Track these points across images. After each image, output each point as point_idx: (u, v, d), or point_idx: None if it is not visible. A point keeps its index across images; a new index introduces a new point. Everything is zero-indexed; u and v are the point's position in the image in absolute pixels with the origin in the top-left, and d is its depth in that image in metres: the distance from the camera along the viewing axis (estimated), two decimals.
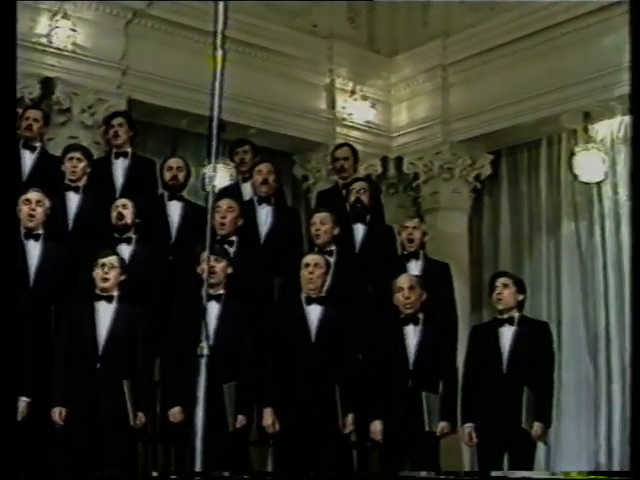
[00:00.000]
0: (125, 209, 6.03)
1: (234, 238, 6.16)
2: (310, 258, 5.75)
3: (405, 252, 6.39)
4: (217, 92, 3.69)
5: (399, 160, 9.26)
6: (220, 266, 5.54)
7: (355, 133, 9.01)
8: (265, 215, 6.55)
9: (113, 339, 5.30)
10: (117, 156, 6.78)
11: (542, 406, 5.48)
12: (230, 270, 5.60)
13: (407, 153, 9.19)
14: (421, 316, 5.67)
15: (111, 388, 5.21)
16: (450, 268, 6.49)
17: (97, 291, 5.42)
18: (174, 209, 6.49)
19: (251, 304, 5.67)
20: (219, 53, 3.72)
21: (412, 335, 5.62)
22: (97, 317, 5.34)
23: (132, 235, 6.04)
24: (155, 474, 4.23)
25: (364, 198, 6.75)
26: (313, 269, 5.64)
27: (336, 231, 6.24)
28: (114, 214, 6.04)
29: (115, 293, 5.43)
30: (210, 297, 5.37)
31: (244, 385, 5.36)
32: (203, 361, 3.57)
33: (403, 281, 5.71)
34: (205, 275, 4.08)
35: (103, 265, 5.42)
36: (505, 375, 5.52)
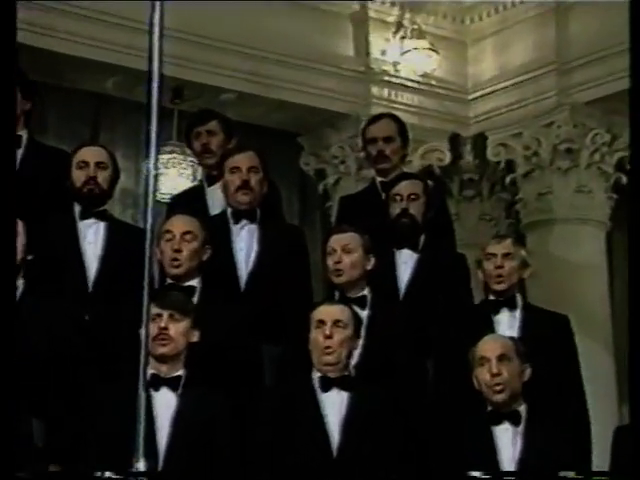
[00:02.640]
0: None
1: (196, 282, 6.20)
2: (326, 311, 5.79)
3: (491, 297, 6.42)
4: (157, 26, 3.69)
5: (481, 140, 9.40)
6: (178, 328, 5.56)
7: (405, 96, 9.14)
8: (247, 240, 6.63)
9: None
10: None
11: None
12: (196, 337, 5.64)
13: (494, 128, 9.32)
14: (523, 408, 5.73)
15: None
16: (571, 324, 6.48)
17: None
18: (92, 234, 6.55)
19: (228, 393, 5.68)
20: None
21: (509, 442, 5.69)
22: None
23: (19, 281, 5.99)
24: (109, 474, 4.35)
25: (416, 207, 6.82)
26: (332, 330, 5.68)
27: (370, 264, 6.31)
28: None
29: None
30: (159, 381, 5.42)
31: None
32: None
33: (489, 347, 5.77)
34: (144, 344, 4.04)
35: None
36: None
